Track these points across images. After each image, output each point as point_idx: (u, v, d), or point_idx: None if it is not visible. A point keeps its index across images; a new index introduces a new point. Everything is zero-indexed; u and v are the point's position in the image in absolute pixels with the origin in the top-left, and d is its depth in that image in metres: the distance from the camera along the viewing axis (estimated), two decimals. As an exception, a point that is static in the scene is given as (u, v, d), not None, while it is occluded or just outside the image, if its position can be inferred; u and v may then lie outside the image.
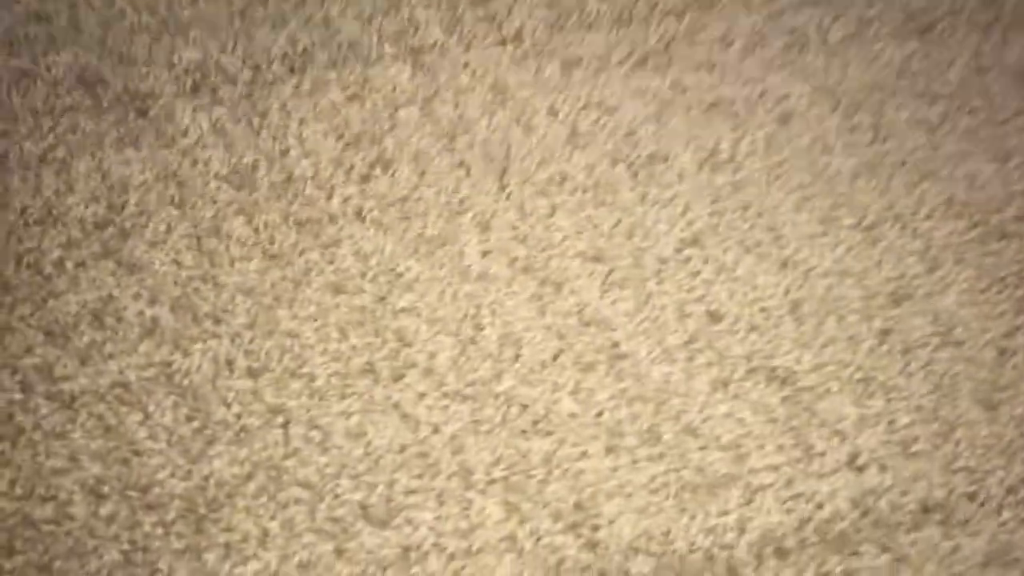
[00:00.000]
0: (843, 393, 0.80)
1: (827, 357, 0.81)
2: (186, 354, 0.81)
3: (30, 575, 0.74)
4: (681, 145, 0.89)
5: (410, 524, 0.75)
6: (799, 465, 0.77)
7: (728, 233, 0.86)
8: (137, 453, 0.78)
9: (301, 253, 0.84)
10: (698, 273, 0.84)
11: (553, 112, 0.91)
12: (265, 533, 0.75)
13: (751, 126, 0.91)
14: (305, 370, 0.80)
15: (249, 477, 0.77)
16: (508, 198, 0.87)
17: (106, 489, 0.76)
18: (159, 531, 0.75)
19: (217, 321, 0.82)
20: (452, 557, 0.75)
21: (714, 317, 0.83)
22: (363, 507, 0.76)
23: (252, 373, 0.80)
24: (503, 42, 0.95)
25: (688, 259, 0.85)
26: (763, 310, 0.83)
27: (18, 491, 0.76)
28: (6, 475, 0.77)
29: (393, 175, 0.88)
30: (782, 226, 0.86)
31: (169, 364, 0.81)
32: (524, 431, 0.79)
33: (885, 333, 0.82)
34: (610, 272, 0.84)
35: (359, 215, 0.86)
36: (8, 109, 0.90)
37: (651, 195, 0.87)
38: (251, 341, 0.81)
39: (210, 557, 0.74)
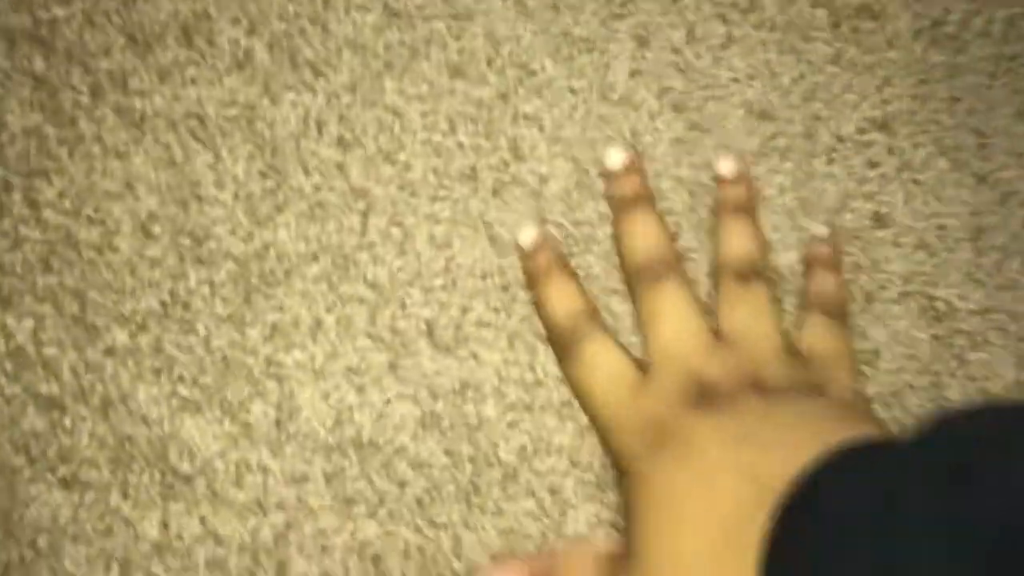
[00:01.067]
0: (1005, 350, 0.68)
1: (998, 302, 0.68)
2: (275, 102, 0.71)
3: (62, 299, 0.67)
4: (900, 3, 0.73)
5: (475, 359, 0.67)
6: (927, 413, 0.66)
7: (926, 126, 0.71)
8: (199, 198, 0.69)
9: (427, 18, 0.72)
10: (877, 164, 0.70)
11: (761, -78, 0.74)
12: (318, 324, 0.67)
13: (993, 1, 0.73)
14: (401, 157, 0.70)
15: (314, 258, 0.68)
16: (679, 13, 0.72)
17: (157, 229, 0.69)
18: (204, 290, 0.68)
19: (317, 73, 0.71)
20: (511, 407, 0.66)
21: (880, 221, 0.70)
22: (429, 326, 0.68)
23: (342, 144, 0.70)
24: None
25: (870, 144, 0.71)
26: (940, 228, 0.69)
27: (66, 204, 0.69)
28: (57, 185, 0.69)
29: (553, -48, 0.73)
30: (993, 134, 0.71)
31: (253, 107, 0.71)
32: (616, 291, 0.69)
33: (1074, 292, 0.69)
34: (774, 136, 0.71)
35: (503, -10, 0.72)
36: None
37: (849, 55, 0.72)
38: (348, 107, 0.70)
39: (253, 333, 0.67)
